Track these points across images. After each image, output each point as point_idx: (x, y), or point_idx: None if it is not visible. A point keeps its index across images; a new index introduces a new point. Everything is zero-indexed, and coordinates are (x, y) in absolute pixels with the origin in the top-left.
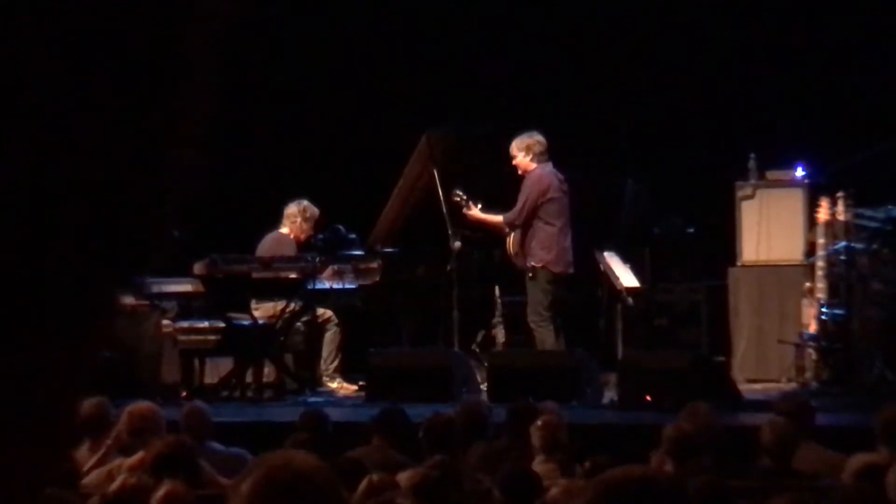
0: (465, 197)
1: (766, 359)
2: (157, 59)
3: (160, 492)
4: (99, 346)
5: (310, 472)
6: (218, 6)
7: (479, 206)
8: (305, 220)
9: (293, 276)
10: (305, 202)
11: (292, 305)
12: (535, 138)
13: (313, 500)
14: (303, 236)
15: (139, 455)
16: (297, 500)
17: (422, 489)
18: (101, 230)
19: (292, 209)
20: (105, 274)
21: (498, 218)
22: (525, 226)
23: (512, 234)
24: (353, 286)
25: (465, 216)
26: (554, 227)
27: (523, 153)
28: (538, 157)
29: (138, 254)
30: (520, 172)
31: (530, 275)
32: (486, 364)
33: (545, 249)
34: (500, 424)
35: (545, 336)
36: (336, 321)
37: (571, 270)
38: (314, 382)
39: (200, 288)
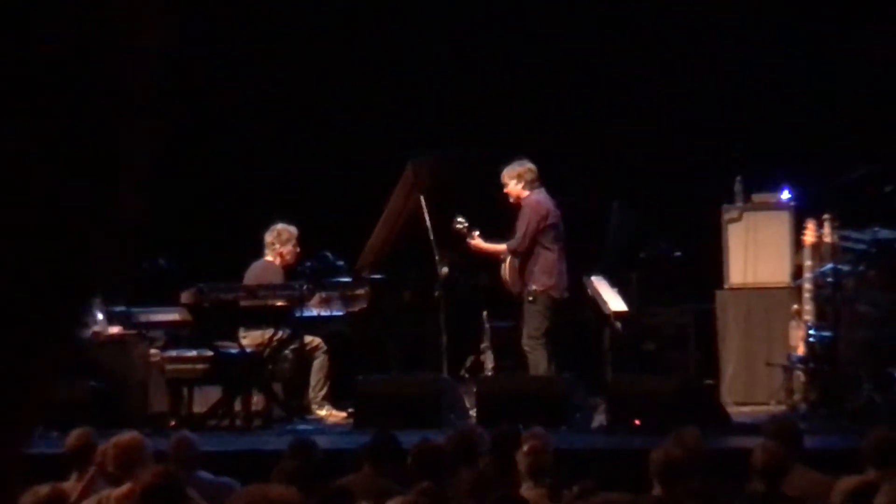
0: (466, 224)
1: (755, 381)
2: (101, 102)
3: None
4: (55, 378)
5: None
6: (153, 46)
7: (478, 233)
8: (283, 242)
9: (280, 303)
10: (279, 226)
11: (280, 333)
12: (526, 166)
13: None
14: (289, 257)
15: (127, 485)
16: None
17: None
18: (51, 264)
19: (268, 237)
20: (56, 307)
21: (501, 246)
22: (526, 252)
23: (508, 260)
24: (340, 313)
25: (467, 244)
26: (553, 253)
27: (515, 181)
28: (530, 185)
29: (89, 287)
30: (511, 200)
31: (531, 299)
32: (474, 389)
33: (547, 274)
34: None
35: (539, 360)
36: (324, 348)
37: (567, 295)
38: (303, 410)
39: (188, 317)
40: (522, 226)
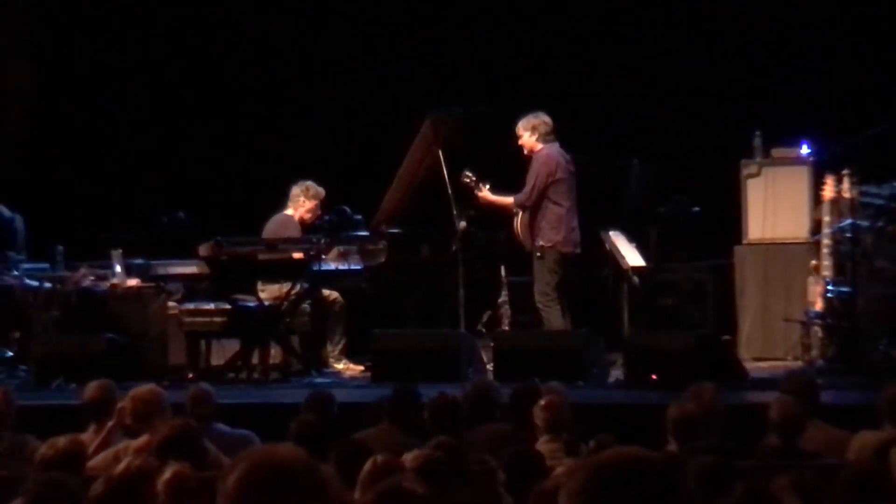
0: (474, 178)
1: (772, 337)
2: None
3: (166, 474)
4: None
5: (292, 465)
6: None
7: (488, 186)
8: (309, 198)
9: (298, 257)
10: (309, 182)
11: (297, 287)
12: (541, 118)
13: (296, 492)
14: (308, 216)
15: (145, 437)
16: (279, 492)
17: (425, 470)
18: None
19: (295, 190)
20: None
21: (508, 199)
22: (534, 206)
23: (520, 215)
24: (358, 267)
25: (475, 197)
26: (562, 208)
27: (529, 133)
28: (544, 137)
29: None
30: (526, 153)
31: (538, 255)
32: (491, 344)
33: (554, 230)
34: (505, 405)
35: (552, 316)
36: (342, 302)
37: (579, 251)
38: (320, 364)
39: (206, 270)
40: (531, 179)
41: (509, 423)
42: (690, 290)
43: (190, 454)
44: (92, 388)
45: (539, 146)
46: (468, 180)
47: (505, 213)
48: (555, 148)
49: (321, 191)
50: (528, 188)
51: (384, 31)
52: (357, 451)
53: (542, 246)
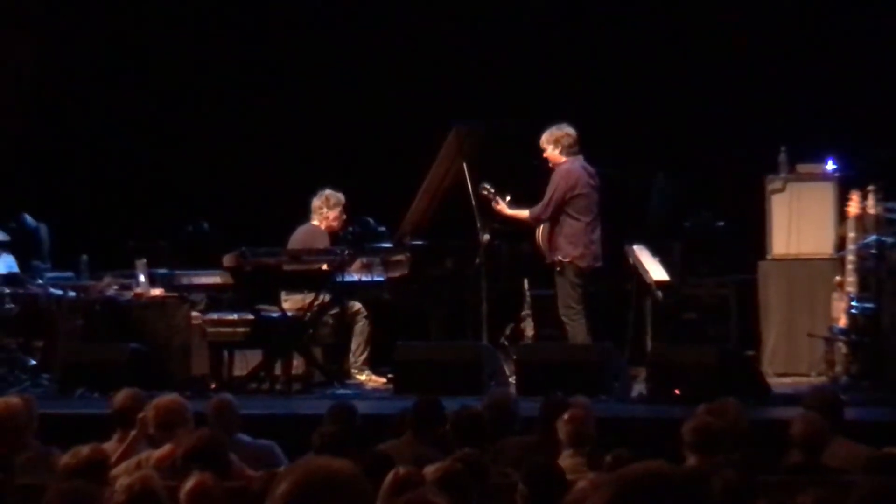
0: (493, 191)
1: (796, 353)
2: None
3: (189, 483)
4: None
5: (345, 478)
6: None
7: (508, 199)
8: (331, 207)
9: (322, 268)
10: (327, 191)
11: (321, 298)
12: (565, 131)
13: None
14: (335, 224)
15: (168, 447)
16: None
17: (447, 483)
18: None
19: (316, 202)
20: None
21: (524, 213)
22: (552, 220)
23: (540, 227)
24: (381, 279)
25: (494, 210)
26: (580, 223)
27: (552, 146)
28: (567, 150)
29: None
30: (550, 165)
31: (558, 269)
32: (514, 357)
33: (571, 244)
34: (531, 418)
35: (577, 330)
36: (365, 313)
37: (599, 264)
38: (342, 375)
39: (230, 280)
40: (548, 193)
41: (534, 436)
42: (714, 305)
43: (215, 464)
44: (121, 396)
45: (562, 159)
46: (486, 192)
47: (523, 226)
48: (578, 162)
49: (341, 197)
50: (543, 202)
51: (411, 44)
52: (379, 463)
53: (560, 261)
